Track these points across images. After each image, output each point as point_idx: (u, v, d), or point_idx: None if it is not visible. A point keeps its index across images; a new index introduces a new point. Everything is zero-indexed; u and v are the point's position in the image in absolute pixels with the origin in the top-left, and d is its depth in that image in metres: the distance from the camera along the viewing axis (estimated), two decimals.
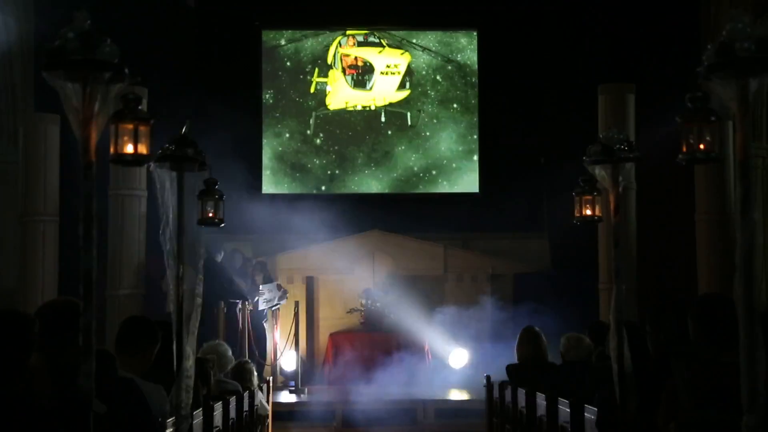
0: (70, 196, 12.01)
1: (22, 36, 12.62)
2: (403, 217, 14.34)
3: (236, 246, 13.42)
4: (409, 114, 15.52)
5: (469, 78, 15.39)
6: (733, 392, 2.86)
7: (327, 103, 15.48)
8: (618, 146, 4.38)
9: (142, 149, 2.82)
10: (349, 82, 15.53)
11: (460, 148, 15.28)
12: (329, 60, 15.48)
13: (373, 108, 15.49)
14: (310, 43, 15.42)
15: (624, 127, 11.49)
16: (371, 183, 15.25)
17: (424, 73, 15.41)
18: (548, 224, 14.54)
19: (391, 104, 15.50)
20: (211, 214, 5.01)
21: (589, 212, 5.20)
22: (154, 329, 4.63)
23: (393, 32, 15.45)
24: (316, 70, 15.46)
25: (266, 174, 15.14)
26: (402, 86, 15.52)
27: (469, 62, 15.38)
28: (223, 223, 5.12)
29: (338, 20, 15.31)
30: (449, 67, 15.44)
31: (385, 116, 15.49)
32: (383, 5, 14.89)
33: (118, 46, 2.72)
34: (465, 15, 15.07)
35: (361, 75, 15.55)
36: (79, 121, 2.72)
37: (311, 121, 15.41)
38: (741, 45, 2.68)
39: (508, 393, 7.93)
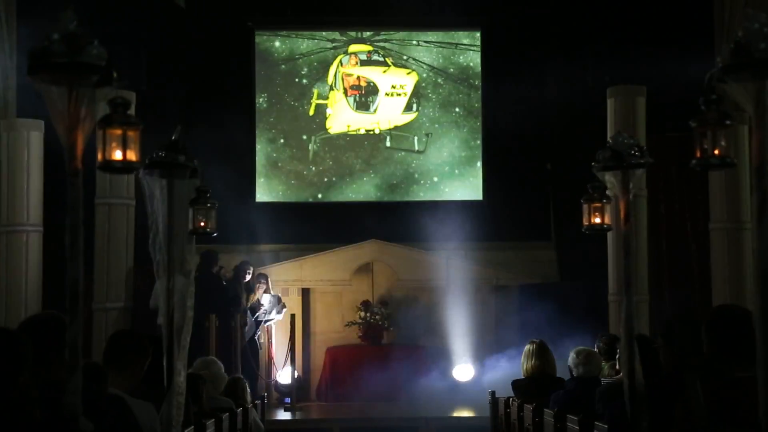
0: (55, 205, 12.03)
1: (3, 37, 12.63)
2: (402, 226, 14.32)
3: (243, 258, 13.35)
4: (416, 138, 15.25)
5: (471, 80, 15.36)
6: (749, 409, 2.85)
7: (327, 126, 15.22)
8: (628, 151, 4.37)
9: (131, 156, 2.82)
10: (351, 104, 15.24)
11: (463, 154, 15.27)
12: (329, 80, 15.26)
13: (377, 132, 15.21)
14: (306, 44, 15.39)
15: (634, 131, 11.51)
16: (370, 190, 15.21)
17: (425, 75, 15.36)
18: (555, 233, 14.54)
19: (396, 128, 15.25)
20: (203, 224, 5.00)
21: (598, 220, 5.19)
22: (143, 343, 4.62)
23: (397, 45, 15.26)
24: (316, 91, 15.21)
25: (260, 181, 15.13)
26: (408, 108, 15.26)
27: (471, 64, 15.36)
28: (215, 232, 5.11)
29: (335, 21, 15.29)
30: (451, 69, 15.40)
31: (390, 141, 15.25)
32: (383, 5, 14.87)
33: (106, 48, 2.73)
34: (468, 14, 15.06)
35: (365, 96, 15.28)
36: (65, 127, 2.72)
37: (311, 147, 15.19)
38: (757, 45, 2.68)
39: (513, 410, 7.92)
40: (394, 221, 14.42)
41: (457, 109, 15.39)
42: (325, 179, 15.21)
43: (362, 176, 15.24)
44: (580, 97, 13.91)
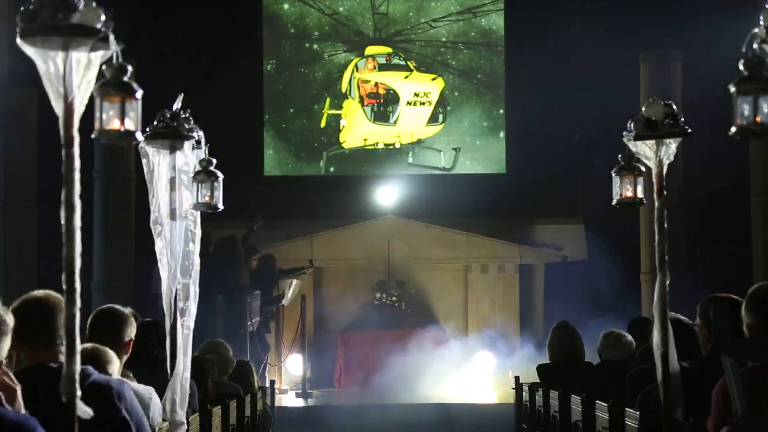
0: (50, 180, 12.07)
1: None
2: (420, 201, 14.28)
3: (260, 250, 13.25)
4: (442, 154, 14.62)
5: (494, 46, 15.12)
6: None
7: (341, 140, 14.60)
8: (663, 120, 4.35)
9: (130, 125, 2.81)
10: (369, 115, 14.53)
11: (485, 124, 15.09)
12: (344, 88, 14.57)
13: (398, 146, 14.55)
14: (317, 47, 14.89)
15: (669, 98, 11.42)
16: (385, 163, 15.00)
17: (444, 39, 15.07)
18: (583, 208, 14.48)
19: (420, 141, 14.60)
20: (207, 198, 5.00)
21: (629, 194, 5.16)
22: (121, 317, 4.53)
23: (419, 47, 14.59)
24: (328, 99, 14.51)
25: (268, 154, 15.05)
26: (434, 119, 14.55)
27: (495, 27, 15.11)
28: (220, 207, 5.11)
29: None
30: (472, 33, 15.10)
31: (413, 156, 14.62)
32: None
33: (102, 8, 2.71)
34: None
35: (383, 106, 14.52)
36: (59, 94, 2.71)
37: (322, 163, 14.57)
38: None
39: (539, 396, 7.93)
40: (412, 196, 14.36)
41: (479, 76, 15.12)
42: (338, 151, 14.91)
43: (377, 149, 14.93)
44: (611, 62, 13.79)
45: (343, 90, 14.62)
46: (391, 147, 14.59)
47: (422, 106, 14.54)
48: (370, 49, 14.64)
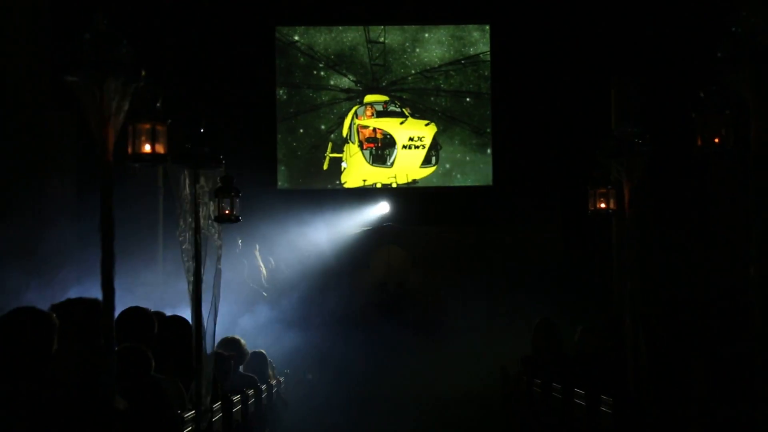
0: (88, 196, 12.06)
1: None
2: (416, 210, 14.29)
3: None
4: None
5: (482, 71, 15.17)
6: (748, 382, 2.84)
7: (342, 180, 14.59)
8: (631, 139, 4.36)
9: (160, 149, 2.82)
10: (367, 158, 14.53)
11: (474, 141, 15.12)
12: (344, 133, 14.59)
13: (394, 186, 14.55)
14: (323, 38, 15.17)
15: (636, 119, 11.43)
16: (383, 173, 14.95)
17: (436, 65, 15.11)
18: (561, 217, 14.47)
19: (414, 181, 14.65)
20: (227, 211, 5.02)
21: (603, 205, 5.18)
22: (148, 315, 4.56)
23: (413, 95, 14.70)
24: (330, 144, 14.53)
25: (281, 170, 15.04)
26: (427, 161, 14.57)
27: (482, 56, 15.17)
28: (239, 219, 5.13)
29: (350, 17, 15.07)
30: (462, 61, 15.16)
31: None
32: (396, 1, 14.71)
33: (134, 45, 2.72)
34: (477, 9, 14.92)
35: (381, 149, 14.54)
36: (97, 121, 2.72)
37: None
38: (755, 36, 2.66)
39: (522, 384, 7.91)
40: (409, 206, 14.37)
41: (468, 99, 15.15)
42: (343, 166, 14.94)
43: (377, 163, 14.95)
44: (585, 86, 13.81)
45: (344, 135, 14.64)
46: (389, 187, 14.59)
47: (416, 150, 14.59)
48: (368, 98, 14.70)
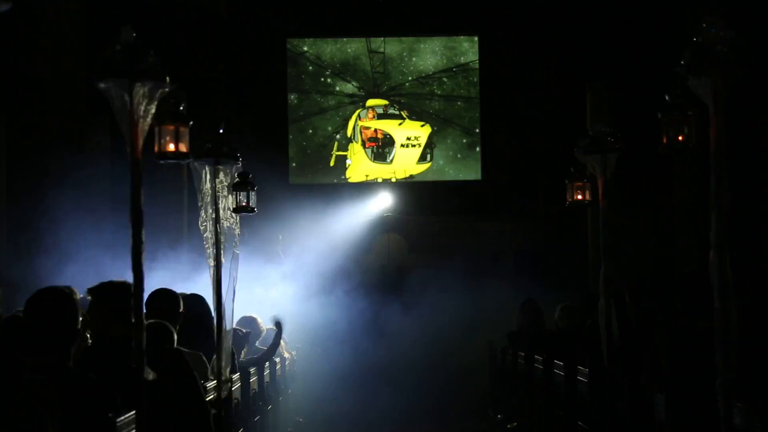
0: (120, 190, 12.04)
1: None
2: (413, 202, 14.29)
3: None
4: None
5: (471, 78, 15.19)
6: (708, 355, 2.84)
7: (347, 175, 14.70)
8: (604, 138, 4.35)
9: (183, 147, 2.82)
10: (369, 155, 14.63)
11: (464, 141, 15.14)
12: (349, 133, 14.67)
13: (393, 181, 14.61)
14: (330, 49, 15.14)
15: (609, 120, 11.42)
16: (385, 169, 14.93)
17: (431, 73, 15.11)
18: (543, 207, 14.47)
19: (411, 176, 14.69)
20: (244, 204, 5.03)
21: (579, 197, 5.19)
22: (175, 295, 4.61)
23: (410, 99, 14.65)
24: (336, 143, 14.61)
25: (292, 166, 15.06)
26: (423, 159, 14.66)
27: (471, 64, 15.18)
28: (255, 211, 5.13)
29: (354, 29, 15.04)
30: (454, 69, 15.20)
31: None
32: (395, 15, 14.70)
33: (159, 55, 2.73)
34: (467, 22, 14.92)
35: (382, 148, 14.63)
36: (127, 123, 2.73)
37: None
38: (715, 46, 2.66)
39: (508, 357, 7.93)
40: (407, 198, 14.39)
41: (459, 103, 15.17)
42: (348, 162, 14.95)
43: (379, 161, 14.94)
44: (563, 91, 13.79)
45: (349, 135, 14.71)
46: (389, 181, 14.66)
47: (413, 148, 14.66)
48: (370, 102, 14.75)
